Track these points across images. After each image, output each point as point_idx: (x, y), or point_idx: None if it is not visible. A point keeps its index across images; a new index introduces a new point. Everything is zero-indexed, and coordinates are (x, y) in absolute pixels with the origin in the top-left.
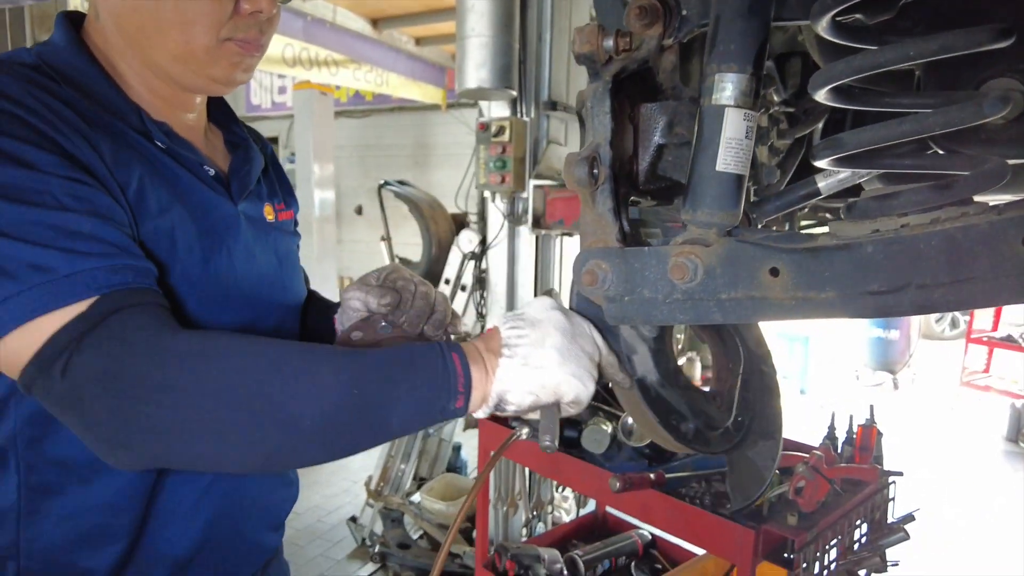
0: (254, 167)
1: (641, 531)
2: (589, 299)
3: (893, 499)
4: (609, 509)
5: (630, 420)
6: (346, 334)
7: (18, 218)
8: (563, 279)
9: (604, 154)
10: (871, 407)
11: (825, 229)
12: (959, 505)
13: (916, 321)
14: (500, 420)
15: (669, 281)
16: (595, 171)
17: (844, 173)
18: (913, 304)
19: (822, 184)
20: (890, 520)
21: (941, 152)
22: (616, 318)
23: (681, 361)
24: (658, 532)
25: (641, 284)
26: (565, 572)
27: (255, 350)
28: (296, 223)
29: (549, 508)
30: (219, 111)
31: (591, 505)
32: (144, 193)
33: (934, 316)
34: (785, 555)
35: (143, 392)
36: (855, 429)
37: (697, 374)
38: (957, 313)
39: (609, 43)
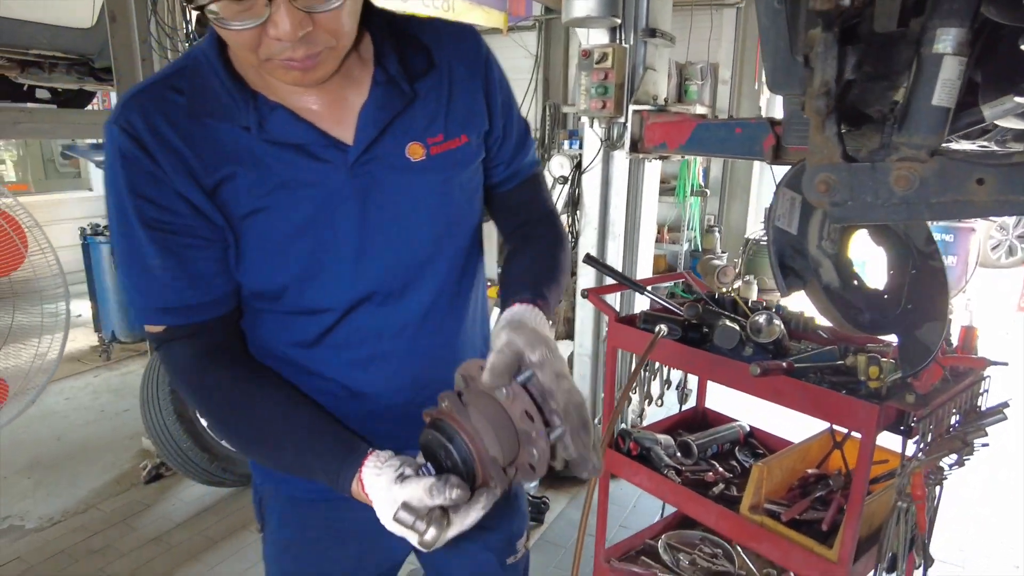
0: (385, 110)
1: (740, 423)
2: (781, 229)
3: (987, 391)
4: (708, 405)
5: (760, 319)
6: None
7: (126, 259)
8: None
9: (833, 89)
10: (971, 313)
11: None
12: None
13: (974, 248)
14: (630, 322)
15: (888, 189)
16: (827, 103)
17: (1008, 105)
18: None
19: (987, 112)
20: (985, 407)
21: None
22: (840, 219)
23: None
24: (755, 424)
25: (863, 192)
26: (678, 454)
27: (227, 407)
28: (473, 146)
29: (660, 402)
30: (382, 48)
31: (691, 402)
32: (238, 185)
33: (991, 243)
34: (902, 427)
35: (185, 396)
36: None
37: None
38: (1015, 241)
39: (846, 2)
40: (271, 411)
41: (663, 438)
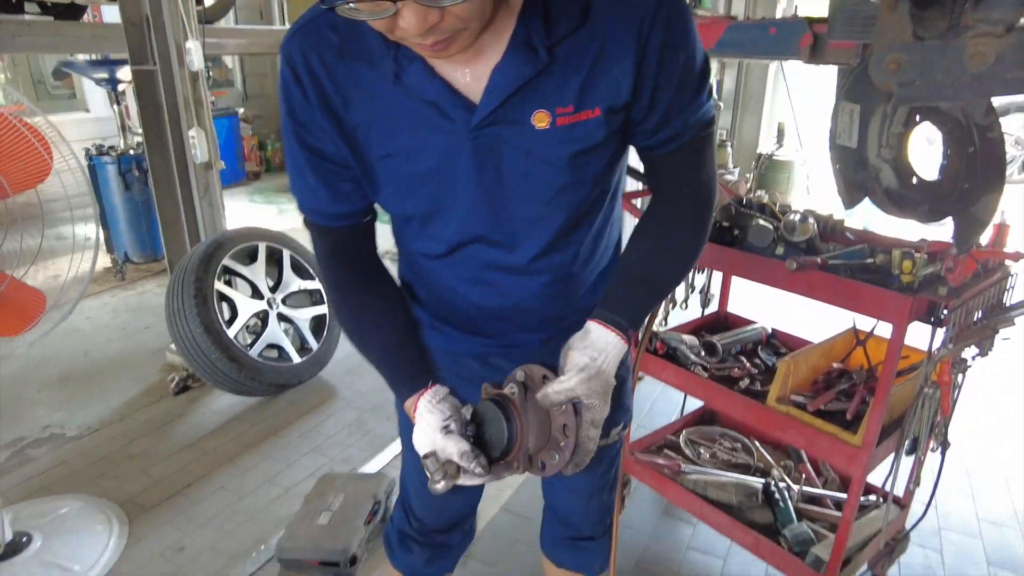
0: (515, 76)
1: (762, 325)
2: (843, 146)
3: (1012, 288)
4: (729, 310)
5: (794, 218)
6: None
7: (289, 164)
8: None
9: None
10: (1001, 211)
11: None
12: None
13: None
14: None
15: (961, 67)
16: None
17: None
18: None
19: None
20: (1009, 303)
21: None
22: (908, 99)
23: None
24: (776, 326)
25: (933, 71)
26: (703, 353)
27: (339, 298)
28: (603, 120)
29: (684, 305)
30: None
31: (713, 307)
32: (371, 131)
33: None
34: (932, 319)
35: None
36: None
37: None
38: None
39: None
40: (371, 316)
41: (688, 338)
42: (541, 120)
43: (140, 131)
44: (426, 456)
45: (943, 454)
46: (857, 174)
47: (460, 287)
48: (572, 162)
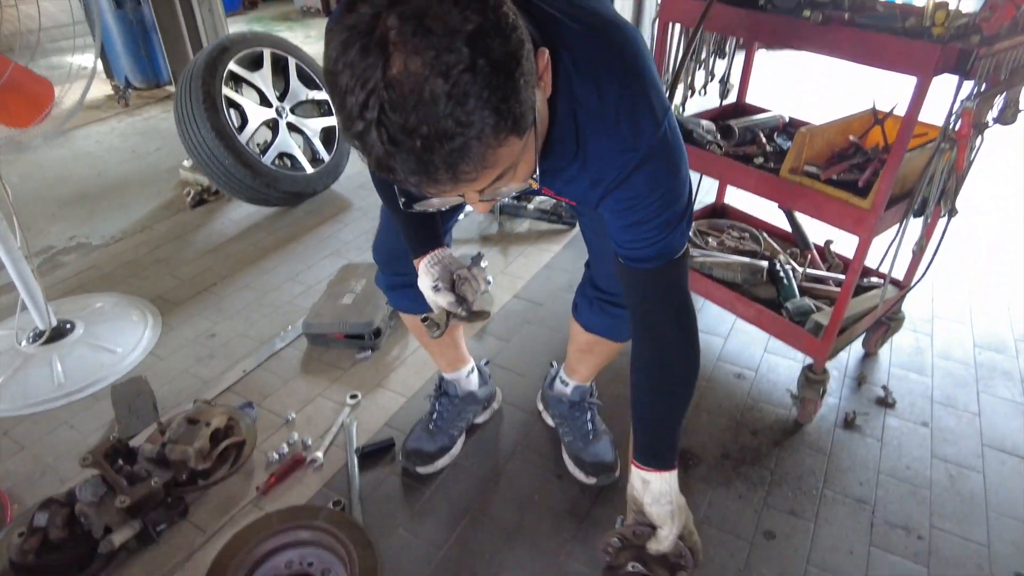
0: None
1: (779, 113)
2: None
3: None
4: (748, 100)
5: None
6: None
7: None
8: None
9: None
10: None
11: None
12: None
13: None
14: None
15: None
16: None
17: None
18: None
19: None
20: None
21: None
22: None
23: None
24: (793, 115)
25: None
26: (719, 136)
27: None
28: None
29: (704, 91)
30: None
31: (731, 98)
32: None
33: None
34: (961, 68)
35: None
36: None
37: None
38: None
39: None
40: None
41: (705, 123)
42: None
43: None
44: (424, 318)
45: (949, 219)
46: None
47: None
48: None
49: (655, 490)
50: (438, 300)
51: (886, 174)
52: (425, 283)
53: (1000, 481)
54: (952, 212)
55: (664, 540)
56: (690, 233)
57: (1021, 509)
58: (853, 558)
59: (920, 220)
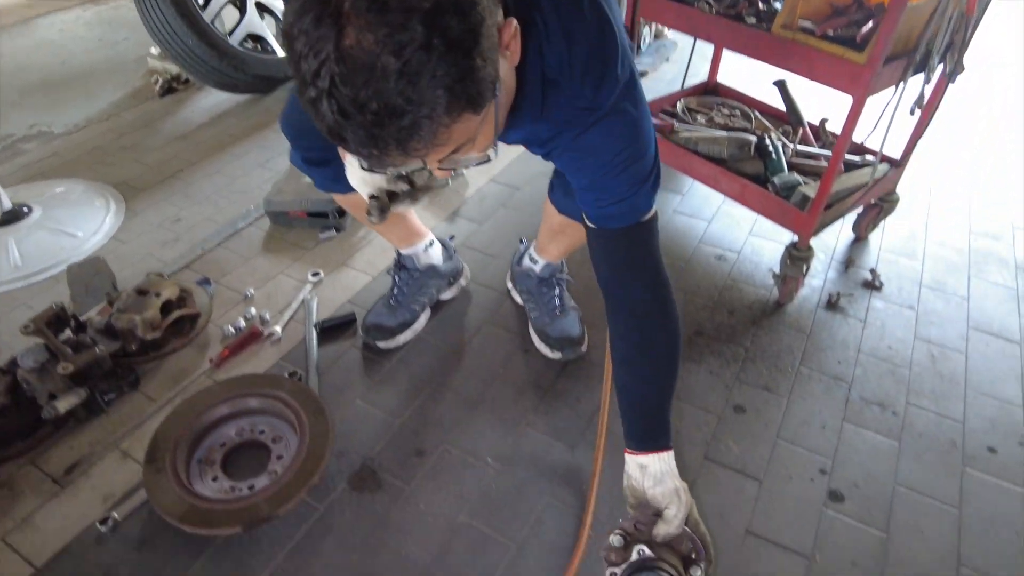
0: None
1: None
2: None
3: None
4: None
5: None
6: None
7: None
8: None
9: None
10: None
11: None
12: None
13: None
14: None
15: None
16: None
17: None
18: None
19: None
20: None
21: None
22: None
23: None
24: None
25: None
26: None
27: None
28: None
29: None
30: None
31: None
32: None
33: None
34: None
35: None
36: None
37: None
38: None
39: None
40: None
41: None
42: None
43: None
44: (372, 197)
45: (952, 79)
46: None
47: None
48: None
49: (655, 471)
50: (375, 182)
51: (886, 23)
52: (353, 165)
53: (982, 361)
54: (958, 68)
55: (673, 520)
56: (678, 106)
57: (1001, 388)
58: (824, 432)
59: (921, 78)
